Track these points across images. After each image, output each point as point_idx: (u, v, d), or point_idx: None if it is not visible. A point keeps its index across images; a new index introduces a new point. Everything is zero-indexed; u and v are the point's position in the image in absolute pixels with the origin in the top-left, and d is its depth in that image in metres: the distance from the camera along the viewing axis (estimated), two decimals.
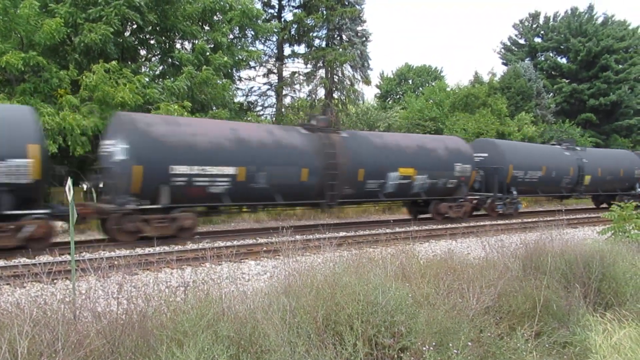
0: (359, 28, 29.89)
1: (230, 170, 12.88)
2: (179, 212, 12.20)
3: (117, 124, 12.52)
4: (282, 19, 28.71)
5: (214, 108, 19.03)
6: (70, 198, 5.55)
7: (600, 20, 45.73)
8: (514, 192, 19.85)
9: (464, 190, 18.11)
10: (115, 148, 12.05)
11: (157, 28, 18.95)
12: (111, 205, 11.67)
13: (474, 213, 19.78)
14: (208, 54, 18.84)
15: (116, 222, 11.57)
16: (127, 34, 18.65)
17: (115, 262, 7.54)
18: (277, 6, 28.95)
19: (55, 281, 7.86)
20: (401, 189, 16.56)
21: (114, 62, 15.90)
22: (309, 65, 29.15)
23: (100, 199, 12.35)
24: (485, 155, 19.76)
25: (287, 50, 29.48)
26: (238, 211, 16.89)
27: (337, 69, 29.12)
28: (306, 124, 15.55)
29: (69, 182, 5.66)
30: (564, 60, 45.96)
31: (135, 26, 18.21)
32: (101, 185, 12.33)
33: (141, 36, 19.26)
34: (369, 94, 74.69)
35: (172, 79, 17.73)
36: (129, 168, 11.65)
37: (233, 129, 13.67)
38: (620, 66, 43.54)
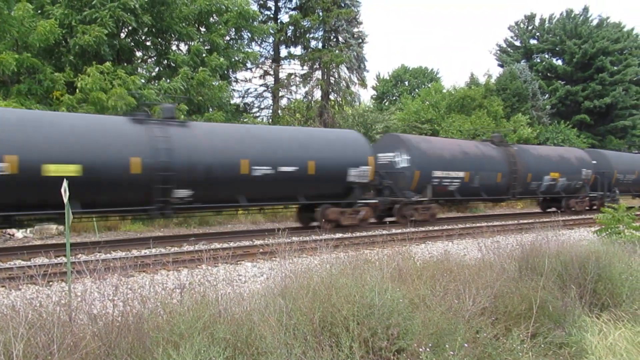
0: (355, 30, 29.97)
1: (461, 174, 18.36)
2: (432, 203, 17.64)
3: (395, 142, 18.09)
4: (279, 21, 28.74)
5: (210, 110, 19.02)
6: (65, 200, 5.53)
7: (595, 22, 45.96)
8: (617, 191, 24.94)
9: (586, 189, 23.45)
10: (399, 158, 17.53)
11: (153, 30, 18.93)
12: (399, 198, 16.86)
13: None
14: (204, 55, 18.84)
15: (400, 209, 16.73)
16: (122, 35, 18.64)
17: (111, 264, 7.51)
18: (273, 8, 28.99)
19: (50, 283, 7.83)
20: (549, 188, 22.08)
21: (108, 64, 15.86)
22: (305, 67, 29.19)
23: (383, 193, 16.96)
24: (595, 162, 24.54)
25: (283, 51, 29.55)
26: (465, 204, 23.53)
27: (334, 70, 29.17)
28: (492, 140, 21.06)
29: (65, 184, 5.64)
30: (559, 62, 46.16)
31: (130, 28, 18.20)
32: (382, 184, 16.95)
33: (137, 38, 19.24)
34: (365, 95, 74.83)
35: (168, 80, 17.71)
36: (412, 172, 17.11)
37: (459, 144, 19.63)
38: (615, 68, 43.76)
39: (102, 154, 11.13)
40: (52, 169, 10.36)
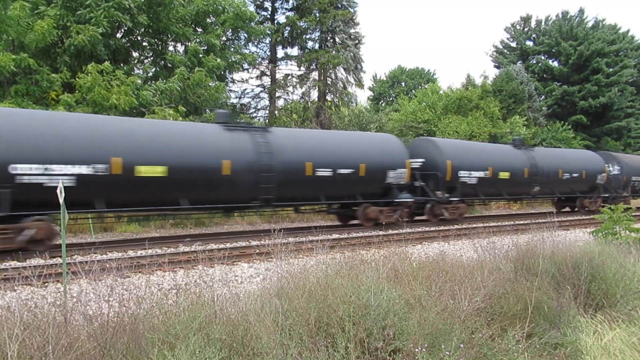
0: (352, 30, 29.97)
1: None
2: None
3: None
4: (275, 22, 28.74)
5: (207, 111, 19.00)
6: (61, 200, 5.52)
7: (590, 24, 46.14)
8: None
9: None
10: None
11: (150, 30, 18.90)
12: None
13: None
14: (201, 56, 18.82)
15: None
16: (118, 35, 18.59)
17: (107, 265, 7.50)
18: (270, 9, 28.99)
19: (46, 284, 7.81)
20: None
21: (107, 64, 15.84)
22: (302, 68, 29.21)
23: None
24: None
25: (280, 52, 29.55)
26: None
27: (330, 71, 29.18)
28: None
29: (60, 184, 5.63)
30: (555, 64, 46.30)
31: (126, 28, 18.17)
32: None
33: (133, 38, 19.20)
34: (362, 96, 74.90)
35: (164, 80, 17.68)
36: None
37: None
38: (611, 69, 43.92)
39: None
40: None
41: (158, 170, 12.05)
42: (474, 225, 16.82)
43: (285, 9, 29.07)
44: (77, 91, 15.56)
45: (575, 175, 23.13)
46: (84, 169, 11.13)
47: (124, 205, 12.31)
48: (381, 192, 16.25)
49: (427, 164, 18.00)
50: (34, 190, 10.54)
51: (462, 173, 18.33)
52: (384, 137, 17.73)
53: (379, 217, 15.83)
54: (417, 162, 17.99)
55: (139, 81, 16.82)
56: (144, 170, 11.85)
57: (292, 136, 15.16)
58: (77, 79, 15.39)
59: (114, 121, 12.58)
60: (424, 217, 18.03)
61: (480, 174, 18.98)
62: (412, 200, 16.94)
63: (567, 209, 24.88)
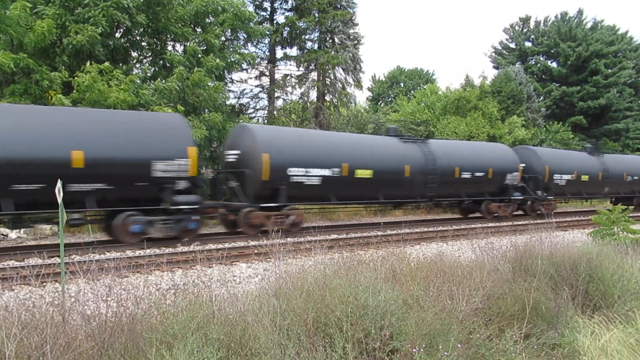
0: (351, 31, 29.97)
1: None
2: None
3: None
4: (274, 22, 28.72)
5: (206, 111, 18.97)
6: (59, 200, 5.52)
7: (589, 25, 46.19)
8: None
9: None
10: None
11: (149, 30, 18.87)
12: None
13: None
14: (200, 56, 18.78)
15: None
16: (117, 35, 18.55)
17: (105, 265, 7.49)
18: (269, 9, 28.97)
19: (44, 284, 7.80)
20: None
21: (106, 63, 15.80)
22: (301, 68, 29.18)
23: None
24: None
25: (279, 52, 29.52)
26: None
27: (329, 71, 29.17)
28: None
29: (59, 184, 5.63)
30: (554, 64, 46.35)
31: (124, 28, 18.13)
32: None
33: (132, 38, 19.16)
34: (361, 96, 74.91)
35: (163, 80, 17.64)
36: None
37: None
38: (610, 70, 43.97)
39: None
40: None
41: (367, 173, 16.16)
42: (473, 226, 16.83)
43: (285, 9, 29.06)
44: (74, 91, 15.51)
45: None
46: (326, 172, 15.18)
47: (346, 199, 16.65)
48: (499, 191, 20.45)
49: (527, 168, 21.72)
50: (298, 187, 14.62)
51: (555, 176, 22.35)
52: (503, 147, 22.27)
53: (498, 211, 20.07)
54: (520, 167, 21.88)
55: (138, 81, 16.78)
56: (360, 173, 15.96)
57: (444, 146, 19.48)
58: (75, 78, 15.34)
59: (343, 136, 17.99)
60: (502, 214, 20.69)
61: (568, 176, 23.12)
62: (522, 197, 20.90)
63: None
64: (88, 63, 15.61)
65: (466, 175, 18.96)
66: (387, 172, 16.69)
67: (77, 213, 11.23)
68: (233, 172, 14.55)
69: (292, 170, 14.42)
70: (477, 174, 19.35)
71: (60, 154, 10.78)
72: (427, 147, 18.36)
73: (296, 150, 14.74)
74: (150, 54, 20.07)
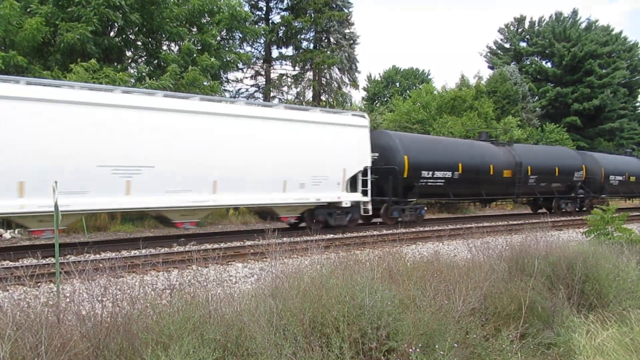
0: (347, 31, 29.98)
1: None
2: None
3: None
4: (270, 22, 28.69)
5: None
6: (55, 199, 5.49)
7: (584, 26, 46.39)
8: None
9: None
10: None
11: (143, 29, 18.78)
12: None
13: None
14: (195, 55, 18.71)
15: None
16: (112, 34, 18.47)
17: (101, 265, 7.46)
18: (264, 8, 28.94)
19: (39, 284, 7.75)
20: None
21: (93, 61, 15.66)
22: (296, 68, 29.18)
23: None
24: None
25: (274, 52, 29.51)
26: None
27: (325, 71, 29.17)
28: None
29: (53, 184, 5.60)
30: (548, 65, 46.52)
31: (118, 27, 18.05)
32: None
33: (125, 37, 19.07)
34: (357, 96, 74.86)
35: (157, 79, 17.57)
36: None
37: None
38: (604, 71, 44.17)
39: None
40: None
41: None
42: (468, 226, 16.86)
43: (280, 8, 29.06)
44: None
45: None
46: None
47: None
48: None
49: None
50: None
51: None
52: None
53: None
54: None
55: (132, 80, 16.70)
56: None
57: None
58: (65, 77, 15.26)
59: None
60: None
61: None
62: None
63: None
64: (78, 60, 15.54)
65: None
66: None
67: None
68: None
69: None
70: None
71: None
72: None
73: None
74: (145, 54, 19.98)
